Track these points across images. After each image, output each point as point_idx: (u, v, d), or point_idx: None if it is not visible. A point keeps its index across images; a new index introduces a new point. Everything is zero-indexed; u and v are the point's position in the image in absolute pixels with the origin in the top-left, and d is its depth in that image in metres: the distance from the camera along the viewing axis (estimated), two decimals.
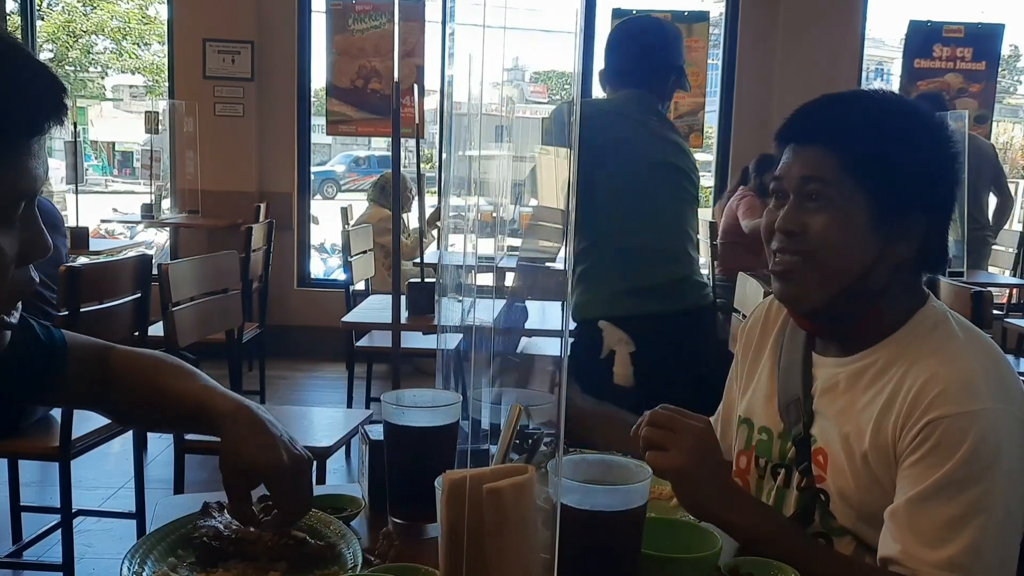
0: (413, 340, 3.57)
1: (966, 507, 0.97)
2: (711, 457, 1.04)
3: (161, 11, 4.98)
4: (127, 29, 15.03)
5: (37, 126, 0.75)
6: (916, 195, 1.08)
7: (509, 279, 4.94)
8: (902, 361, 1.07)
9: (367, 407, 3.90)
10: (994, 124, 5.93)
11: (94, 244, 4.74)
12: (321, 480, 2.55)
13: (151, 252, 5.60)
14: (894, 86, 6.07)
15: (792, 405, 1.17)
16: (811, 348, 1.19)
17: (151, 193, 5.69)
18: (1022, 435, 1.01)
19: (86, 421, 2.39)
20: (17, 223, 0.78)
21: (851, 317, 1.12)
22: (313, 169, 6.44)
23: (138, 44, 15.24)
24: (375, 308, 3.31)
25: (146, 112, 5.88)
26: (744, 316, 2.33)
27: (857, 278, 1.09)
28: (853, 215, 1.07)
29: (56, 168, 6.40)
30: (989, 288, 2.63)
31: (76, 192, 5.12)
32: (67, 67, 14.94)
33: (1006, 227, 5.40)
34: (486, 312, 0.86)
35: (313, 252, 6.43)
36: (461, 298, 0.92)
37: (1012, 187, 9.10)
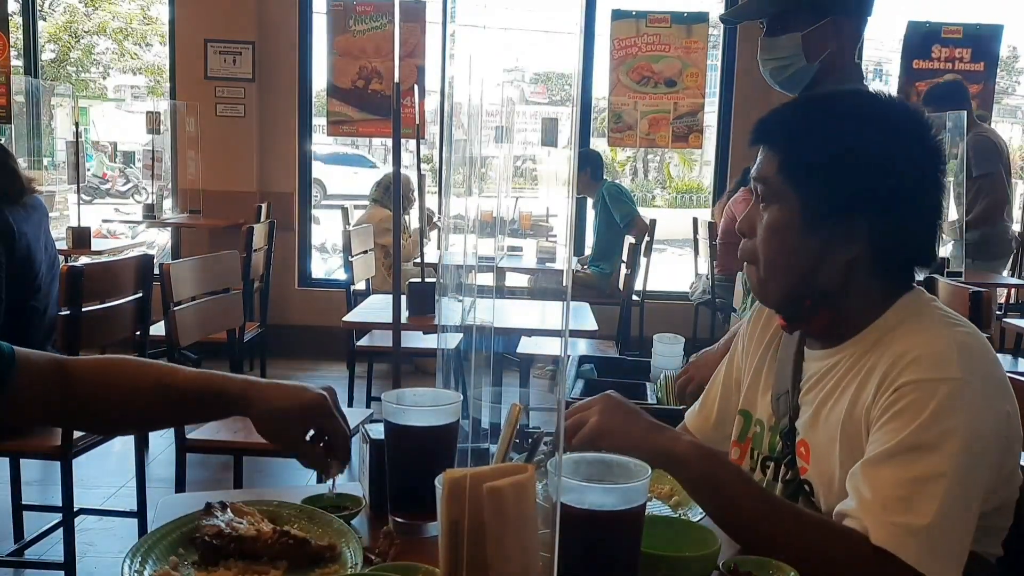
0: (413, 340, 3.58)
1: (923, 471, 0.97)
2: (623, 406, 1.10)
3: (162, 12, 4.99)
4: (128, 30, 15.03)
5: None
6: (852, 197, 1.07)
7: (509, 279, 4.92)
8: (878, 345, 1.09)
9: (368, 406, 3.90)
10: (993, 125, 5.92)
11: (96, 244, 4.74)
12: (321, 479, 2.55)
13: (152, 252, 5.61)
14: (892, 87, 6.07)
15: (782, 398, 1.20)
16: (803, 343, 1.21)
17: (152, 193, 5.69)
18: (989, 415, 1.01)
19: None
20: None
21: (810, 316, 1.14)
22: None
23: (139, 45, 15.24)
24: (376, 308, 3.31)
25: (148, 112, 5.88)
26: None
27: (802, 278, 1.11)
28: (788, 217, 1.10)
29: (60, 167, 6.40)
30: (988, 288, 2.64)
31: (78, 192, 5.12)
32: (69, 68, 14.95)
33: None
34: (486, 312, 0.86)
35: (314, 252, 6.43)
36: (461, 298, 0.93)
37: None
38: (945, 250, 4.08)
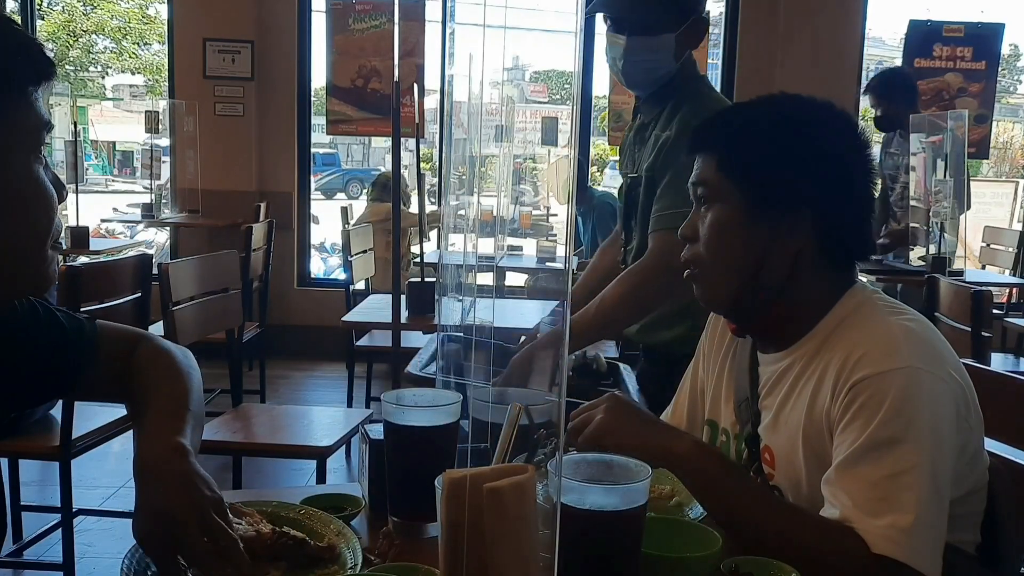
0: (413, 340, 3.57)
1: (894, 466, 0.98)
2: (628, 406, 1.12)
3: (161, 11, 4.98)
4: (127, 29, 15.03)
5: (41, 76, 0.91)
6: (793, 190, 1.10)
7: (509, 279, 4.89)
8: (828, 344, 1.10)
9: (367, 406, 3.90)
10: (994, 124, 5.92)
11: (94, 244, 4.73)
12: (321, 479, 2.55)
13: (151, 252, 5.60)
14: None
15: (743, 405, 1.21)
16: (756, 348, 1.21)
17: (151, 193, 5.69)
18: (945, 397, 1.02)
19: (87, 421, 2.39)
20: (41, 164, 0.91)
21: (760, 313, 1.15)
22: None
23: (138, 44, 15.24)
24: (375, 308, 3.31)
25: (146, 112, 5.86)
26: None
27: (750, 275, 1.12)
28: (730, 214, 1.12)
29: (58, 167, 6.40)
30: (989, 288, 2.64)
31: (76, 192, 5.11)
32: (67, 67, 14.94)
33: (1008, 227, 5.39)
34: (486, 312, 0.86)
35: (313, 252, 6.42)
36: (461, 298, 0.92)
37: (1011, 187, 9.10)
38: (947, 248, 4.07)
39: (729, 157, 1.13)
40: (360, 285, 4.36)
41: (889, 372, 1.01)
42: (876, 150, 4.42)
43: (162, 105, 5.83)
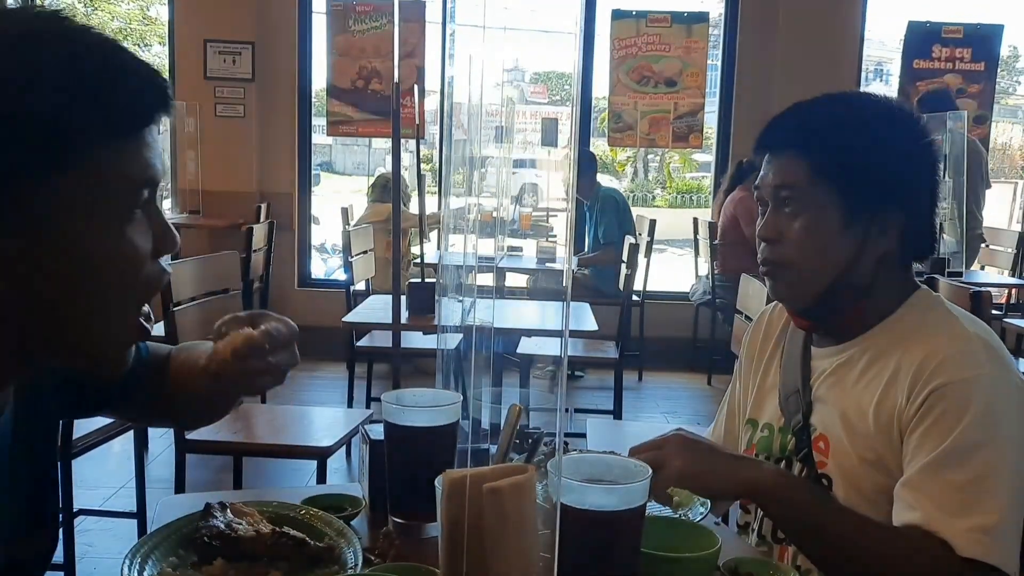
0: (413, 340, 3.57)
1: (979, 470, 0.99)
2: (699, 444, 1.11)
3: (162, 12, 4.96)
4: (128, 30, 15.03)
5: (147, 116, 0.78)
6: (888, 190, 1.11)
7: (509, 279, 4.90)
8: (901, 342, 1.11)
9: (367, 407, 3.90)
10: (993, 125, 5.92)
11: None
12: (321, 480, 2.55)
13: None
14: (893, 87, 6.07)
15: (792, 397, 1.21)
16: (809, 342, 1.22)
17: None
18: (1021, 401, 1.04)
19: (87, 421, 2.39)
20: (142, 216, 0.81)
21: (842, 311, 1.16)
22: None
23: (139, 45, 15.23)
24: (375, 308, 3.31)
25: None
26: (747, 317, 2.35)
27: (839, 275, 1.13)
28: (826, 217, 1.12)
29: None
30: (988, 288, 2.64)
31: None
32: None
33: (1007, 227, 5.39)
34: (486, 312, 0.86)
35: (313, 252, 6.42)
36: (461, 298, 0.92)
37: (1011, 187, 9.10)
38: (945, 249, 4.08)
39: (824, 160, 1.11)
40: (360, 286, 4.36)
41: (971, 379, 1.03)
42: None
43: None
